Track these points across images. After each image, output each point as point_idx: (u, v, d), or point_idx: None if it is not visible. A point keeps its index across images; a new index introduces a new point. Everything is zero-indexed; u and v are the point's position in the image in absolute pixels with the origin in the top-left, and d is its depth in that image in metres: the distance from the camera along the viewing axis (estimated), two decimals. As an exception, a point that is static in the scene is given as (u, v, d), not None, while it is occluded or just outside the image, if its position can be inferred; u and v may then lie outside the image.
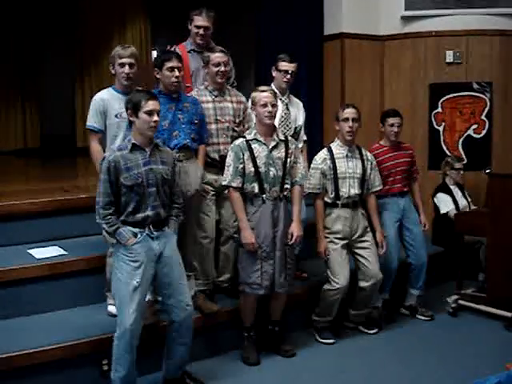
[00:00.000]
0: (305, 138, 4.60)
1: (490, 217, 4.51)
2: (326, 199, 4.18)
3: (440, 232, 5.34)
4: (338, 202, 4.15)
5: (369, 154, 4.35)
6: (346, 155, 4.21)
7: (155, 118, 3.19)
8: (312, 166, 4.23)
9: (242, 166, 3.72)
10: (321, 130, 6.07)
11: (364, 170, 4.23)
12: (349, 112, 4.18)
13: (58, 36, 10.03)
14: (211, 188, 4.01)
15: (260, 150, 3.75)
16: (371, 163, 4.31)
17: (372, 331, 4.36)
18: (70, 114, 10.26)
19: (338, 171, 4.15)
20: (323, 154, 4.23)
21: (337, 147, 4.24)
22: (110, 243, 3.62)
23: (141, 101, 3.17)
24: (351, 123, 4.15)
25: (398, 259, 4.52)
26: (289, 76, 4.34)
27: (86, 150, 8.23)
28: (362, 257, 4.19)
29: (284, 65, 4.34)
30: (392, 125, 4.53)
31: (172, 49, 4.28)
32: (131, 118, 3.22)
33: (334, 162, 4.17)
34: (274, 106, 3.77)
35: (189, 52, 4.41)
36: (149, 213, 3.21)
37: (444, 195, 5.34)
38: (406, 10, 6.08)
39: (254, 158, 3.73)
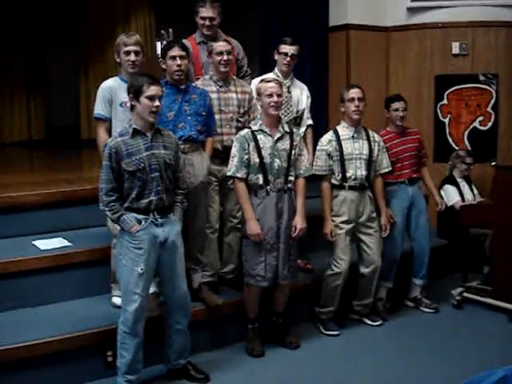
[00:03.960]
0: (310, 122, 4.58)
1: (496, 209, 4.49)
2: (333, 181, 4.16)
3: (445, 224, 5.33)
4: (344, 184, 4.13)
5: (376, 135, 4.32)
6: (352, 136, 4.18)
7: (156, 103, 3.16)
8: (318, 147, 4.21)
9: (247, 156, 3.71)
10: (326, 122, 6.04)
11: (371, 151, 4.20)
12: (354, 92, 4.16)
13: (62, 28, 10.02)
14: (214, 179, 3.99)
15: (265, 141, 3.74)
16: (378, 144, 4.28)
17: (376, 323, 4.36)
18: (75, 106, 10.25)
19: (345, 152, 4.13)
20: (329, 135, 4.21)
21: (343, 129, 4.22)
22: (114, 234, 3.63)
23: (142, 85, 3.15)
24: (357, 102, 4.13)
25: (401, 247, 4.52)
26: (289, 58, 4.32)
27: (90, 141, 8.27)
28: (365, 243, 4.20)
29: (284, 47, 4.33)
30: (397, 109, 4.52)
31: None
32: (132, 103, 3.20)
33: (339, 143, 4.15)
34: (280, 96, 3.75)
35: (198, 44, 4.38)
36: (152, 198, 3.20)
37: (451, 187, 5.32)
38: (411, 1, 6.05)
39: (259, 149, 3.71)
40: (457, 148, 5.87)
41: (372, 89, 5.93)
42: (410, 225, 4.61)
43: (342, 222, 4.13)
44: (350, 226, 4.15)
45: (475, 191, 5.48)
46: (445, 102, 6.05)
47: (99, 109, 3.74)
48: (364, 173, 4.16)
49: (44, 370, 3.33)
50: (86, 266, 3.96)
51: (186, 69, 3.76)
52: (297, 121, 4.43)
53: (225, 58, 3.95)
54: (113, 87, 3.74)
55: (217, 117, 3.96)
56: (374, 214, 4.24)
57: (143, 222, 3.20)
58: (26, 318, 3.61)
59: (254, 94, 3.97)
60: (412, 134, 4.67)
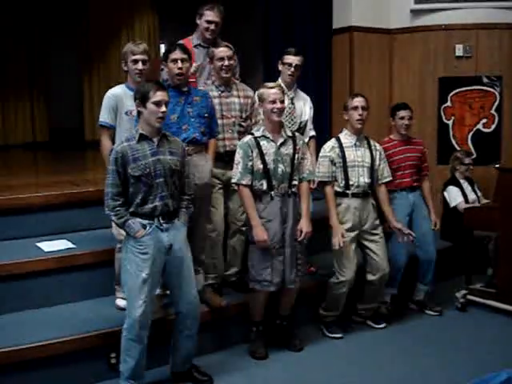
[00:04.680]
0: (313, 133, 4.57)
1: (500, 211, 4.48)
2: (336, 188, 4.16)
3: (449, 227, 5.32)
4: (348, 191, 4.13)
5: (377, 144, 4.33)
6: (355, 144, 4.19)
7: (163, 108, 3.17)
8: (320, 154, 4.22)
9: (250, 163, 3.71)
10: (329, 124, 6.05)
11: (373, 160, 4.21)
12: (358, 101, 4.17)
13: (66, 29, 10.04)
14: (218, 181, 4.01)
15: (268, 147, 3.74)
16: (380, 153, 4.29)
17: (380, 326, 4.35)
18: (78, 108, 10.28)
19: (347, 159, 4.14)
20: (331, 142, 4.23)
21: (345, 136, 4.23)
22: (118, 239, 3.63)
23: (149, 91, 3.15)
24: (361, 111, 4.14)
25: (406, 254, 4.50)
26: (293, 69, 4.31)
27: (94, 143, 8.29)
28: (371, 250, 4.18)
29: (288, 58, 4.32)
30: (402, 117, 4.52)
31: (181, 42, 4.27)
32: (139, 109, 3.21)
33: (342, 151, 4.15)
34: (283, 102, 3.75)
35: (194, 47, 4.38)
36: (157, 203, 3.20)
37: (454, 188, 5.32)
38: (415, 3, 6.06)
39: (262, 155, 3.71)
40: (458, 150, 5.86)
41: (375, 91, 5.96)
42: (413, 232, 4.59)
43: (346, 230, 4.12)
44: (354, 233, 4.14)
45: (479, 192, 5.48)
46: (448, 104, 6.05)
47: (104, 117, 3.77)
48: (367, 180, 4.16)
49: (47, 372, 3.33)
50: (90, 267, 3.97)
51: (187, 72, 3.76)
52: (299, 131, 4.42)
53: (226, 63, 3.96)
54: (118, 95, 3.76)
55: (219, 122, 3.97)
56: (378, 221, 4.23)
57: (148, 227, 3.20)
58: (30, 320, 3.62)
59: (256, 100, 3.98)
60: (416, 143, 4.67)
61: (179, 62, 3.66)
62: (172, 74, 3.71)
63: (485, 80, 5.93)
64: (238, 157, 3.74)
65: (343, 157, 4.15)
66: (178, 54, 3.67)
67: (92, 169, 6.92)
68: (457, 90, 6.00)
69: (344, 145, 4.18)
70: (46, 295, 3.82)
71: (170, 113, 3.61)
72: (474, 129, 6.02)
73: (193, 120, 3.74)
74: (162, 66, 3.77)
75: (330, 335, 4.20)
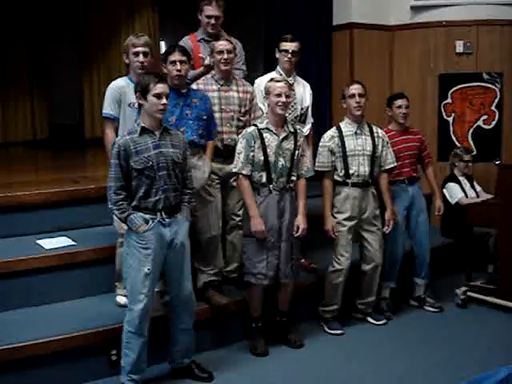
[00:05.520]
0: (312, 120, 4.58)
1: (501, 208, 4.48)
2: (336, 177, 4.16)
3: (449, 223, 5.32)
4: (348, 180, 4.13)
5: (380, 130, 4.31)
6: (355, 132, 4.18)
7: (164, 100, 3.17)
8: (320, 144, 4.22)
9: (252, 154, 3.72)
10: (330, 122, 6.04)
11: (374, 147, 4.20)
12: (355, 88, 4.17)
13: (66, 26, 10.01)
14: (216, 177, 4.00)
15: (271, 140, 3.75)
16: (383, 140, 4.27)
17: (380, 322, 4.36)
18: (78, 105, 10.27)
19: (347, 148, 4.13)
20: (331, 131, 4.23)
21: (345, 125, 4.22)
22: (120, 233, 3.63)
23: (150, 84, 3.15)
24: (358, 98, 4.13)
25: (403, 246, 4.51)
26: (290, 55, 4.30)
27: (94, 140, 8.27)
28: (366, 240, 4.21)
29: (284, 44, 4.31)
30: (400, 106, 4.53)
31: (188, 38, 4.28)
32: (140, 101, 3.21)
33: (342, 140, 4.15)
34: (288, 96, 3.77)
35: (199, 41, 4.39)
36: (159, 197, 3.20)
37: (453, 184, 5.32)
38: (415, -1, 6.06)
39: (264, 147, 3.73)
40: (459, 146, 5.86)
41: (376, 88, 5.94)
42: (410, 224, 4.61)
43: (345, 219, 4.13)
44: (353, 222, 4.15)
45: (478, 188, 5.48)
46: (449, 100, 6.04)
47: (108, 108, 3.75)
48: (367, 169, 4.15)
49: (48, 369, 3.34)
50: (90, 265, 3.97)
51: (186, 73, 3.76)
52: (301, 118, 4.43)
53: (225, 56, 3.96)
54: (122, 87, 3.74)
55: (217, 115, 3.97)
56: (378, 212, 4.23)
57: (150, 222, 3.20)
58: (30, 317, 3.62)
59: (259, 93, 4.00)
60: (414, 133, 4.68)
61: (178, 63, 3.66)
62: (171, 76, 3.70)
63: (485, 76, 5.93)
64: (240, 146, 3.75)
65: (343, 146, 4.14)
66: (177, 55, 3.67)
67: (92, 166, 6.92)
68: (457, 87, 6.00)
69: (344, 133, 4.17)
70: (47, 292, 3.82)
71: (169, 114, 3.60)
72: (475, 125, 6.02)
73: (191, 122, 3.73)
74: (163, 68, 3.75)
75: (330, 331, 4.21)
